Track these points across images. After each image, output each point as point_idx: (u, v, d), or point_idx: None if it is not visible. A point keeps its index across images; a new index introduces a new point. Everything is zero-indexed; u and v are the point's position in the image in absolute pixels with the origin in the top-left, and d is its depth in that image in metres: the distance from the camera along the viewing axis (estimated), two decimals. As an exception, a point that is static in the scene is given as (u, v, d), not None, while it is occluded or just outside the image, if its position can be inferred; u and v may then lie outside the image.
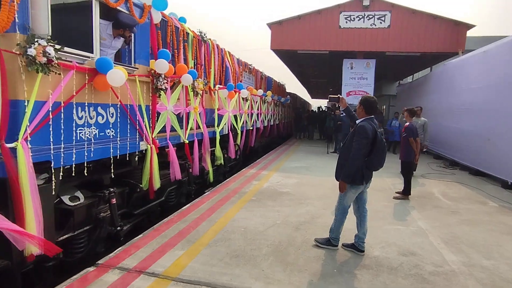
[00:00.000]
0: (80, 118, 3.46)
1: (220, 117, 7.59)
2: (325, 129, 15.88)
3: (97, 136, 3.71)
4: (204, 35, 6.75)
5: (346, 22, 12.58)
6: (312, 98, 46.05)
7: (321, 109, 22.10)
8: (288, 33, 13.14)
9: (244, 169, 8.62)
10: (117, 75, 3.58)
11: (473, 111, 8.88)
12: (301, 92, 36.47)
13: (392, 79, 22.82)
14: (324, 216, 4.96)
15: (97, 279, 2.98)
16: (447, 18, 12.36)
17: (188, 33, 6.12)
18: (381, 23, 12.45)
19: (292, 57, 15.78)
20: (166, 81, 4.84)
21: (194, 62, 6.33)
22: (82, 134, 3.49)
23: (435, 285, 3.11)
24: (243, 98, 9.14)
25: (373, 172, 3.72)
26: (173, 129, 5.38)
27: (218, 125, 7.40)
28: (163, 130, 5.07)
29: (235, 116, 8.58)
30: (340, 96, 4.15)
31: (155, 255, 3.51)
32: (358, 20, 12.50)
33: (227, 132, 7.96)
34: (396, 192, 6.32)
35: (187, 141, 5.81)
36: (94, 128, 3.65)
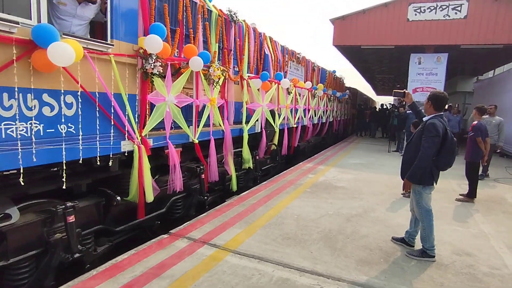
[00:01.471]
0: (7, 109, 2.52)
1: (251, 112, 6.57)
2: (389, 127, 15.24)
3: (42, 134, 2.77)
4: (234, 14, 5.70)
5: (416, 14, 11.88)
6: (377, 95, 43.81)
7: (384, 106, 21.05)
8: (352, 28, 12.87)
9: (300, 163, 8.87)
10: (61, 50, 2.60)
11: None
12: (366, 89, 35.04)
13: (469, 75, 20.72)
14: (377, 211, 5.02)
15: (170, 244, 3.58)
16: (539, 4, 10.92)
17: (211, 11, 5.11)
18: (456, 13, 11.49)
19: (356, 53, 15.38)
20: (160, 63, 3.81)
21: (219, 46, 5.38)
22: (12, 131, 2.56)
23: (488, 285, 3.07)
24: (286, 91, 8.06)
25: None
26: (178, 126, 4.38)
27: (247, 122, 6.37)
28: (161, 126, 4.11)
29: (272, 112, 7.42)
30: (406, 91, 4.03)
31: (217, 230, 4.01)
32: (430, 11, 11.72)
33: (259, 130, 6.89)
34: (460, 194, 6.01)
35: (197, 141, 4.76)
36: (35, 123, 2.71)
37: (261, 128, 6.95)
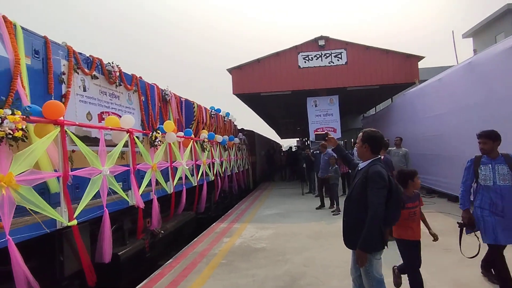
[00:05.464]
0: None
1: None
2: (298, 169, 15.52)
3: None
4: None
5: (305, 62, 12.79)
6: (282, 138, 46.53)
7: (292, 149, 22.04)
8: (249, 77, 13.10)
9: (214, 224, 7.75)
10: None
11: (439, 137, 8.83)
12: (271, 134, 36.81)
13: (357, 113, 23.45)
14: (306, 276, 4.20)
15: None
16: (398, 52, 12.93)
17: None
18: (338, 60, 12.77)
19: (256, 100, 15.71)
20: None
21: None
22: None
23: None
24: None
25: None
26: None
27: None
28: None
29: None
30: (328, 133, 3.36)
31: None
32: (316, 59, 12.76)
33: None
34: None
35: None
36: None
37: None
